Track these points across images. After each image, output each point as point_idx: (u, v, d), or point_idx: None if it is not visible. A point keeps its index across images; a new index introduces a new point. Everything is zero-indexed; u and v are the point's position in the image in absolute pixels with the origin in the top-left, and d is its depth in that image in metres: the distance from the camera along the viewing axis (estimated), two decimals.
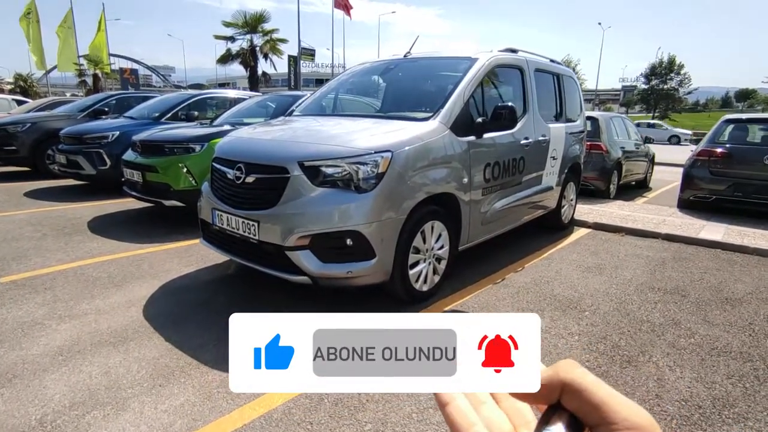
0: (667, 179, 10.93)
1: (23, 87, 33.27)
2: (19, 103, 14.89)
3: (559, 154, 4.88)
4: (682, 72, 42.94)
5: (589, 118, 8.03)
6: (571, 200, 5.59)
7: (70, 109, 8.94)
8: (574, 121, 5.38)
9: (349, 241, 2.66)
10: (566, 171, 5.18)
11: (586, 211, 6.38)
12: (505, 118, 3.42)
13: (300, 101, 4.55)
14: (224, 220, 3.03)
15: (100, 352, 2.41)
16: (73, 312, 2.87)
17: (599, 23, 48.63)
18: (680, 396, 2.18)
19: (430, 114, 3.23)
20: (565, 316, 3.05)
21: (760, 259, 4.45)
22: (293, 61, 27.78)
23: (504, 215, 3.99)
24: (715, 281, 3.83)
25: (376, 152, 2.73)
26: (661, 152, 14.46)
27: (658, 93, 43.73)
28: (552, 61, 5.22)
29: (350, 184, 2.71)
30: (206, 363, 2.34)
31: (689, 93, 46.03)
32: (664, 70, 43.11)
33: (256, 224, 2.80)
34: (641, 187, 9.99)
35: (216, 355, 2.42)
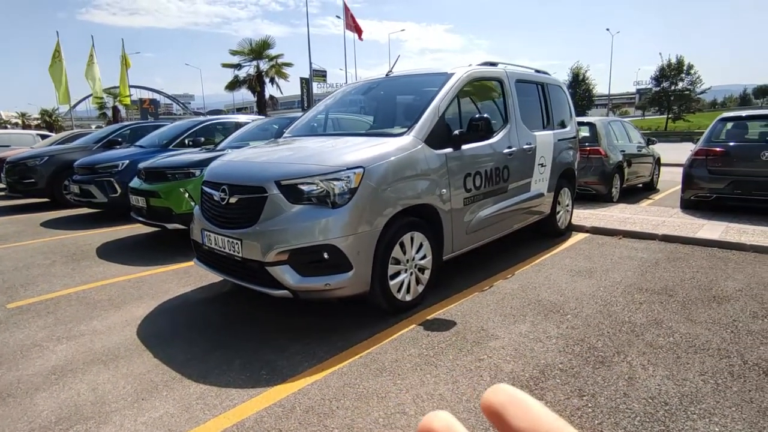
0: (677, 180, 10.74)
1: (48, 122, 34.82)
2: (43, 137, 15.67)
3: (548, 161, 4.93)
4: (692, 72, 42.22)
5: (586, 123, 8.07)
6: (567, 206, 5.61)
7: (86, 141, 9.38)
8: (564, 128, 5.43)
9: (325, 255, 2.77)
10: (558, 177, 5.22)
11: (586, 215, 6.37)
12: (481, 129, 3.51)
13: (293, 124, 4.73)
14: (212, 240, 3.19)
15: (91, 370, 2.56)
16: (71, 333, 3.04)
17: (607, 29, 48.62)
18: (648, 394, 2.20)
19: (405, 129, 3.35)
20: (546, 320, 3.07)
21: (756, 256, 4.39)
22: (305, 83, 28.47)
23: (491, 223, 4.05)
24: (706, 280, 3.80)
25: (348, 169, 2.85)
26: None
27: (670, 94, 43.04)
28: (537, 71, 5.31)
29: (325, 201, 2.83)
30: (190, 377, 2.46)
31: (703, 92, 45.13)
32: (673, 72, 42.46)
33: (239, 242, 2.94)
34: (649, 189, 9.88)
35: (200, 369, 2.53)
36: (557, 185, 5.21)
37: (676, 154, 13.38)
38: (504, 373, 2.41)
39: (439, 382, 2.34)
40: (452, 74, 3.80)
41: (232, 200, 3.05)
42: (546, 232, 5.38)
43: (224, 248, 3.07)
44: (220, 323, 3.18)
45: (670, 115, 44.20)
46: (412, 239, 3.21)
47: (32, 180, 8.24)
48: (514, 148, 4.24)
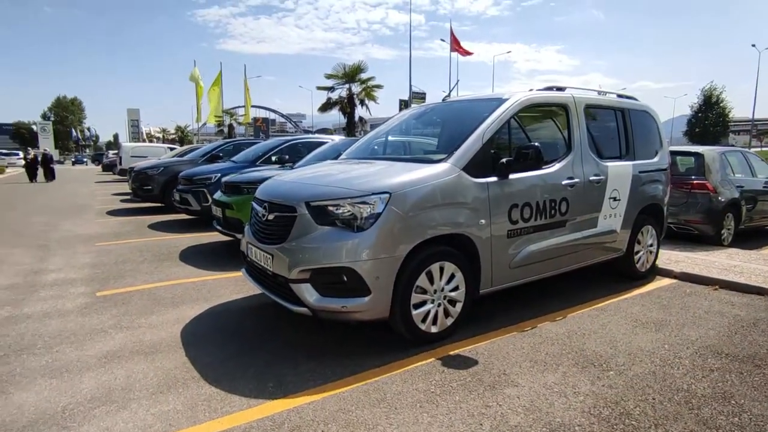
0: None
1: (180, 137, 40.51)
2: (172, 149, 18.23)
3: (624, 195, 4.44)
4: None
5: (693, 154, 7.16)
6: (651, 246, 4.97)
7: (195, 155, 10.70)
8: (649, 159, 4.87)
9: (344, 277, 2.81)
10: (639, 213, 4.67)
11: (680, 258, 5.59)
12: (530, 158, 3.31)
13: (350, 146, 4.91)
14: (253, 253, 3.41)
15: (133, 359, 2.88)
16: (132, 324, 3.45)
17: (753, 45, 42.24)
18: None
19: (444, 156, 3.28)
20: (582, 373, 2.74)
21: None
22: (404, 105, 29.57)
23: (543, 258, 3.75)
24: None
25: (373, 194, 2.87)
26: None
27: None
28: (620, 96, 4.87)
29: (349, 224, 2.88)
30: (206, 378, 2.64)
31: None
32: None
33: (271, 257, 3.11)
34: None
35: (217, 373, 2.70)
36: (636, 221, 4.66)
37: None
38: (508, 425, 2.19)
39: (434, 423, 2.20)
40: (505, 100, 3.65)
41: (270, 217, 3.24)
42: (622, 273, 4.83)
43: (260, 261, 3.27)
44: (251, 332, 3.36)
45: None
46: (441, 269, 3.10)
47: (150, 187, 9.59)
48: (576, 180, 3.90)
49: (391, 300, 2.88)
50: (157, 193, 9.54)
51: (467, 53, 33.19)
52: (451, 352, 3.00)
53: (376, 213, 2.84)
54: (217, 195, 6.05)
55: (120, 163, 19.06)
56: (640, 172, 4.64)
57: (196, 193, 7.48)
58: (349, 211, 2.89)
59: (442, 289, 3.13)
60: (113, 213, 9.71)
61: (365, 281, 2.78)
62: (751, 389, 2.60)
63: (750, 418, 2.31)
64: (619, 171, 4.38)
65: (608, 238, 4.35)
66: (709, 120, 40.77)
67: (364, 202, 2.87)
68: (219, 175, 7.45)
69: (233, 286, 4.46)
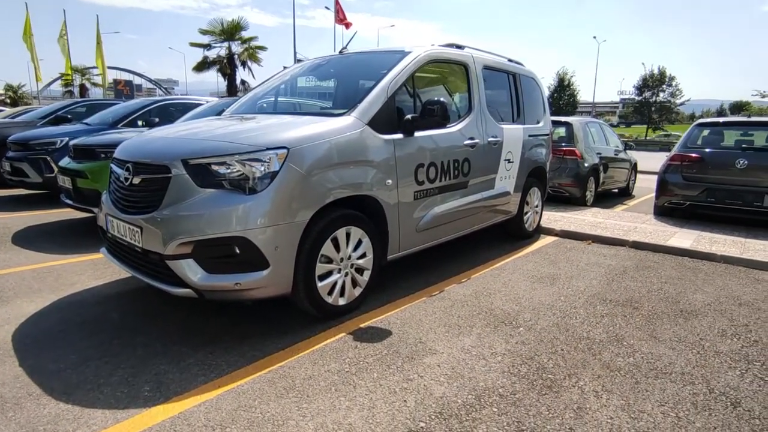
0: (653, 187, 10.62)
1: (13, 98, 33.26)
2: None
3: (516, 158, 4.58)
4: (673, 84, 43.19)
5: (563, 123, 7.81)
6: (536, 207, 5.28)
7: (31, 117, 8.69)
8: (535, 124, 5.10)
9: (236, 249, 2.34)
10: (527, 176, 4.88)
11: (557, 218, 6.08)
12: (436, 114, 3.12)
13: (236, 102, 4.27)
14: (115, 226, 2.72)
15: None
16: None
17: (594, 37, 48.93)
18: (598, 429, 1.84)
19: (346, 109, 2.93)
20: (495, 332, 2.71)
21: (727, 267, 4.13)
22: None
23: (447, 221, 3.67)
24: (674, 291, 3.50)
25: (268, 149, 2.42)
26: None
27: (652, 105, 43.83)
28: (510, 60, 4.96)
29: (239, 185, 2.40)
30: (51, 392, 2.00)
31: (682, 104, 46.16)
32: (655, 82, 43.28)
33: (139, 230, 2.49)
34: (624, 194, 9.71)
35: (68, 383, 2.08)
36: (526, 184, 4.88)
37: (654, 162, 13.32)
38: (433, 398, 2.02)
39: (353, 407, 1.94)
40: (409, 53, 3.40)
41: (136, 180, 2.59)
42: (512, 234, 5.05)
43: (125, 237, 2.61)
44: (118, 325, 2.71)
45: (651, 126, 45.02)
46: (348, 235, 2.80)
47: None
48: (477, 140, 3.86)
49: (293, 273, 2.51)
50: None
51: (348, 25, 32.56)
52: (362, 325, 2.76)
53: (271, 172, 2.40)
54: (65, 162, 4.89)
55: None
56: (529, 135, 4.83)
57: (34, 161, 6.02)
58: (238, 170, 2.40)
59: (349, 257, 2.84)
60: None
61: (262, 252, 2.35)
62: (636, 330, 2.81)
63: (642, 356, 2.47)
64: (513, 134, 4.48)
65: (503, 200, 4.47)
66: (563, 100, 46.25)
67: (256, 159, 2.40)
68: (67, 139, 6.08)
69: (91, 270, 3.62)
